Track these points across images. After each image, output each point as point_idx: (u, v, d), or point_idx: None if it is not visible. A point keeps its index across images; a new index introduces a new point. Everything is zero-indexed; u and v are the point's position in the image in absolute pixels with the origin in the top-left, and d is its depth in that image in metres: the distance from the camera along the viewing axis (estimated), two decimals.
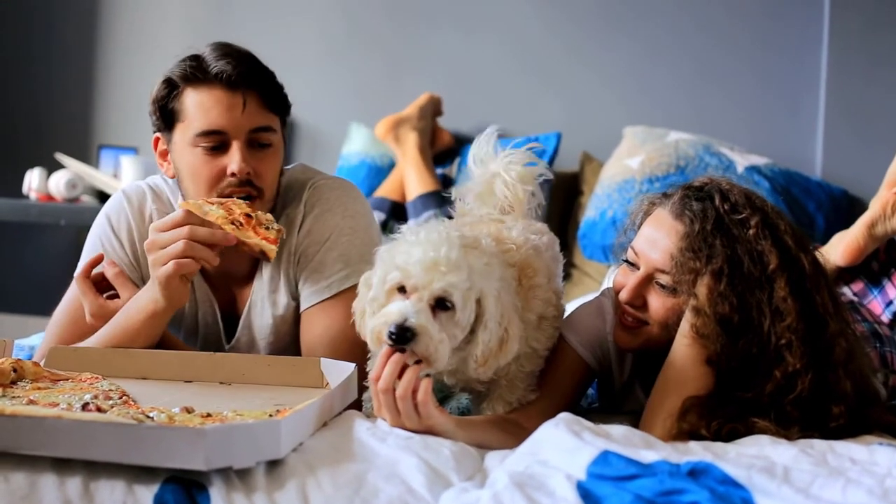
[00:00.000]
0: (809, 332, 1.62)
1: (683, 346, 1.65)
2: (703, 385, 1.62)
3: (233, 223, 1.77)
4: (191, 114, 1.86)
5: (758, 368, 1.61)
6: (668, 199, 1.78)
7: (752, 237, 1.66)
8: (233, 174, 1.84)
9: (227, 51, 1.88)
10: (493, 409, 1.76)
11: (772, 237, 1.66)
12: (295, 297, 1.97)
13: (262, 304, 1.98)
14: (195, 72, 1.85)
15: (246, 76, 1.85)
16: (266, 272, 1.97)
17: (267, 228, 1.81)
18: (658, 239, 1.73)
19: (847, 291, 2.40)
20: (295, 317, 1.98)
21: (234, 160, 1.84)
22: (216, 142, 1.85)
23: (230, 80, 1.84)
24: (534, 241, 1.82)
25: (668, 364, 1.67)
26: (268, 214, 1.84)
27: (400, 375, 1.51)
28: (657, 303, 1.73)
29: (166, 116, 1.89)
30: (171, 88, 1.88)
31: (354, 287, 1.71)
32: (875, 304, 2.41)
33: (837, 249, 2.40)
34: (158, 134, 1.95)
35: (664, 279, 1.71)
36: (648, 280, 1.74)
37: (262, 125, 1.87)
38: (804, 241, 1.72)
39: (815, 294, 1.65)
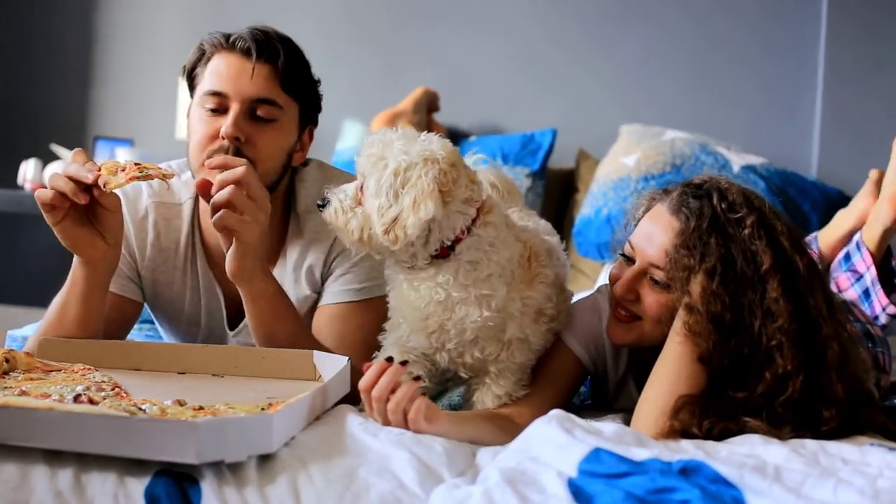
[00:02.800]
0: (801, 334, 1.61)
1: (676, 344, 1.65)
2: (695, 383, 1.62)
3: (115, 170, 1.71)
4: (205, 76, 1.90)
5: (749, 369, 1.61)
6: (667, 195, 1.77)
7: (747, 237, 1.65)
8: (223, 137, 1.85)
9: (260, 28, 1.92)
10: (482, 402, 1.76)
11: (767, 237, 1.66)
12: (316, 291, 1.97)
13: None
14: (222, 40, 1.90)
15: (265, 48, 1.88)
16: (290, 262, 1.97)
17: (140, 172, 1.72)
18: (654, 234, 1.73)
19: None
20: (310, 310, 1.98)
21: (226, 122, 1.85)
22: (217, 104, 1.87)
23: (245, 48, 1.87)
24: (550, 241, 1.86)
25: (661, 362, 1.67)
26: (159, 166, 1.76)
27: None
28: (650, 298, 1.73)
29: (191, 80, 1.95)
30: (201, 54, 1.93)
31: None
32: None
33: (883, 208, 2.39)
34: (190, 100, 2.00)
35: (658, 275, 1.71)
36: (643, 274, 1.74)
37: (267, 97, 1.88)
38: (800, 242, 1.72)
39: (808, 296, 1.65)
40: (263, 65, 1.87)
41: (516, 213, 1.92)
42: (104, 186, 1.68)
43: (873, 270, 2.46)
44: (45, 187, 1.71)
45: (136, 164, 1.74)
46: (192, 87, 1.96)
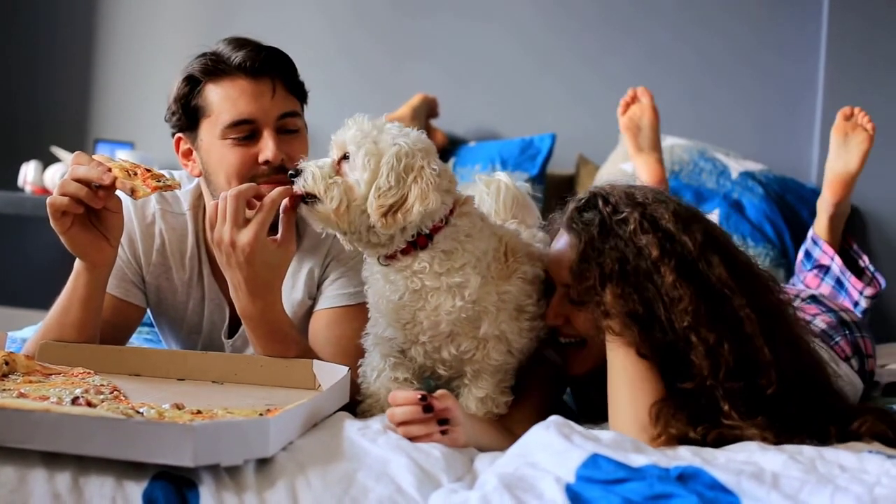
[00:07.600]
0: (710, 310, 1.62)
1: (612, 352, 1.66)
2: (650, 379, 1.62)
3: (127, 172, 1.72)
4: (217, 107, 1.84)
5: (678, 356, 1.62)
6: (562, 215, 1.80)
7: (632, 233, 1.67)
8: (266, 162, 1.82)
9: (242, 42, 1.88)
10: (466, 408, 1.75)
11: (651, 228, 1.67)
12: (312, 297, 1.97)
13: None
14: (216, 65, 1.84)
15: (269, 63, 1.85)
16: (288, 268, 1.96)
17: (157, 181, 1.74)
18: (560, 256, 1.77)
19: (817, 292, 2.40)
20: (305, 314, 1.98)
21: (267, 147, 1.82)
22: (247, 131, 1.84)
23: (253, 68, 1.83)
24: (539, 247, 1.87)
25: (612, 376, 1.66)
26: (165, 173, 1.78)
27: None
28: (579, 318, 1.76)
29: (190, 114, 1.87)
30: (193, 85, 1.86)
31: None
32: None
33: (825, 195, 2.54)
34: (180, 134, 1.92)
35: (573, 293, 1.73)
36: (564, 297, 1.76)
37: (290, 110, 1.88)
38: (689, 222, 1.71)
39: (707, 272, 1.65)
40: (276, 79, 1.86)
41: (524, 230, 1.93)
42: (132, 194, 1.68)
43: (838, 259, 2.49)
44: (47, 190, 1.70)
45: (146, 169, 1.75)
46: (191, 121, 1.88)
